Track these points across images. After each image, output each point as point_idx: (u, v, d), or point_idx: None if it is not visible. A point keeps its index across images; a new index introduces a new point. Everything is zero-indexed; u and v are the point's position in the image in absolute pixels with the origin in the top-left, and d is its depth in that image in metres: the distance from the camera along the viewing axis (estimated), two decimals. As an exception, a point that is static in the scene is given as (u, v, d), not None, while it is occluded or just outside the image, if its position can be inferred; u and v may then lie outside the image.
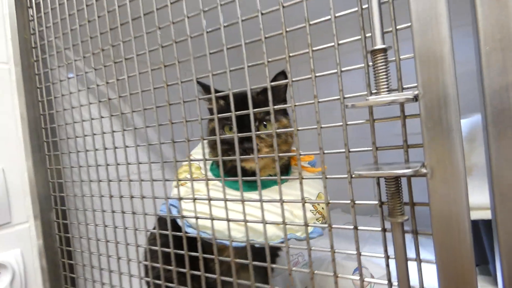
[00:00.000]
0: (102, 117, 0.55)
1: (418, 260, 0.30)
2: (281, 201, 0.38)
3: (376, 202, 0.32)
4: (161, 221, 0.57)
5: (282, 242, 0.48)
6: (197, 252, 0.46)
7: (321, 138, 0.34)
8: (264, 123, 0.57)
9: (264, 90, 0.53)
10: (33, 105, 0.64)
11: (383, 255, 0.32)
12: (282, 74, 0.52)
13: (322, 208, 0.55)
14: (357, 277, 0.35)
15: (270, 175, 0.59)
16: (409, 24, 0.27)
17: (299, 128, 0.35)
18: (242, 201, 0.41)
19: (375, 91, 0.29)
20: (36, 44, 0.63)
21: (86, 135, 0.58)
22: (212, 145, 0.59)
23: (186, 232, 0.50)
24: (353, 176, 0.29)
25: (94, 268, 0.62)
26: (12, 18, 0.63)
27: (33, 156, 0.63)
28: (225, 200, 0.43)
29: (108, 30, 0.50)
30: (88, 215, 0.63)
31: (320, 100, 0.34)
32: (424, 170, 0.26)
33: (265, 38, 0.37)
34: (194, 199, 0.47)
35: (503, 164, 0.23)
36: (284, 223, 0.39)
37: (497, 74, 0.24)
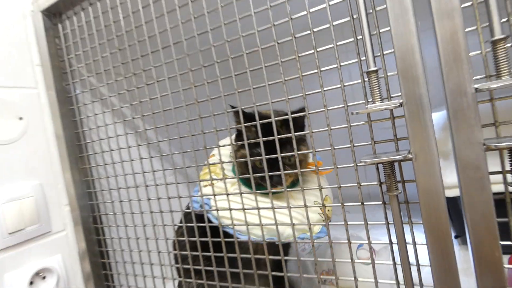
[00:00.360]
0: (127, 133, 0.64)
1: (410, 222, 0.41)
2: (289, 207, 0.49)
3: (377, 183, 0.43)
4: (187, 217, 0.67)
5: (302, 239, 0.58)
6: (219, 243, 0.56)
7: (331, 138, 0.45)
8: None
9: (286, 122, 0.63)
10: (68, 124, 0.71)
11: (384, 222, 0.43)
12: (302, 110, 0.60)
13: (328, 210, 0.64)
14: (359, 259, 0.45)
15: (288, 186, 0.68)
16: (392, 50, 0.38)
17: (317, 150, 0.46)
18: (259, 208, 0.51)
19: (371, 100, 0.40)
20: (66, 70, 0.71)
21: (112, 150, 0.67)
22: (241, 167, 0.67)
23: (210, 222, 0.59)
24: (359, 164, 0.40)
25: (126, 263, 0.71)
26: (43, 47, 0.70)
27: (71, 170, 0.71)
28: (258, 208, 0.53)
29: (129, 61, 0.59)
30: (119, 218, 0.71)
31: (329, 108, 0.44)
32: (410, 156, 0.37)
33: (282, 61, 0.47)
34: (227, 195, 0.56)
35: (461, 146, 0.34)
36: (292, 224, 0.50)
37: (454, 84, 0.35)
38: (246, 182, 0.67)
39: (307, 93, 0.46)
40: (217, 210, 0.57)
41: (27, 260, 0.69)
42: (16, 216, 0.67)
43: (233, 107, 0.61)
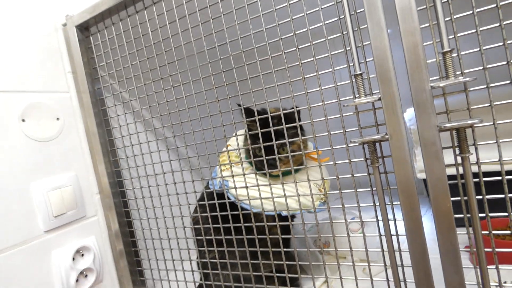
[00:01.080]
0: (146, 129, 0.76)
1: (388, 188, 0.54)
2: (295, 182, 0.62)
3: (363, 159, 0.56)
4: (208, 194, 0.79)
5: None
6: (237, 217, 0.69)
7: (328, 125, 0.58)
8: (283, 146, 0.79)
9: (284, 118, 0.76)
10: (100, 122, 0.83)
11: (369, 189, 0.56)
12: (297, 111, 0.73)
13: (325, 188, 0.78)
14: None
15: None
16: (372, 58, 0.51)
17: (317, 135, 0.59)
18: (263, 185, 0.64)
19: (358, 95, 0.53)
20: (98, 76, 0.83)
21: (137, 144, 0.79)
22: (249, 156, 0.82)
23: (229, 199, 0.72)
24: (350, 145, 0.53)
25: (154, 240, 0.83)
26: (77, 56, 0.82)
27: (105, 161, 0.82)
28: (270, 185, 0.66)
29: (148, 70, 0.71)
30: (148, 201, 0.83)
31: (326, 102, 0.58)
32: (387, 136, 0.50)
33: (289, 67, 0.60)
34: (246, 186, 0.69)
35: (423, 129, 0.48)
36: (297, 195, 0.62)
37: (416, 83, 0.48)
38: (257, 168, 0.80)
39: (308, 91, 0.59)
40: (235, 188, 0.70)
41: (69, 240, 0.81)
42: (59, 202, 0.79)
43: (240, 106, 0.74)
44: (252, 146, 0.70)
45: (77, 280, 0.79)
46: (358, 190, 0.57)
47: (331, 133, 0.58)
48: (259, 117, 0.66)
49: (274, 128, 0.62)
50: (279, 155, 0.68)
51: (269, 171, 0.70)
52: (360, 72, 0.52)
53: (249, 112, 0.72)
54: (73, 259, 0.80)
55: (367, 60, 0.53)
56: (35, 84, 0.80)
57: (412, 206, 0.50)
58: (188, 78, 0.69)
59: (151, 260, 0.84)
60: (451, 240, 0.48)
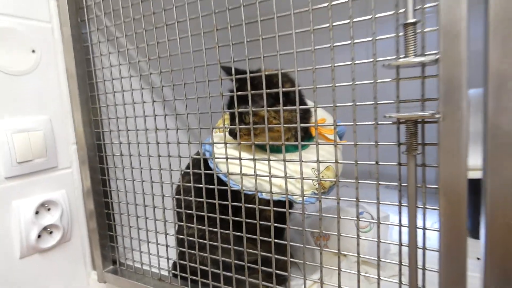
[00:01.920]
0: (131, 76, 0.63)
1: (424, 186, 0.41)
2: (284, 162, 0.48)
3: (395, 143, 0.42)
4: (195, 162, 0.67)
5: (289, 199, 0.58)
6: (224, 193, 0.57)
7: (355, 93, 0.43)
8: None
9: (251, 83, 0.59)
10: (81, 62, 0.70)
11: (397, 183, 0.42)
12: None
13: (324, 179, 0.62)
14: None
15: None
16: (436, 3, 0.35)
17: (338, 105, 0.44)
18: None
19: (404, 55, 0.38)
20: (83, 5, 0.68)
21: (125, 91, 0.66)
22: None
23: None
24: (381, 122, 0.39)
25: (129, 204, 0.72)
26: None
27: (82, 109, 0.70)
28: (254, 159, 0.52)
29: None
30: (126, 160, 0.71)
31: (356, 62, 0.43)
32: (437, 116, 0.36)
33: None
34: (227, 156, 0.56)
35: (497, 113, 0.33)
36: (286, 177, 0.49)
37: (498, 56, 0.33)
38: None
39: (335, 44, 0.44)
40: (226, 158, 0.57)
41: (34, 191, 0.70)
42: (25, 147, 0.68)
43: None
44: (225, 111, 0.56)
45: (39, 236, 0.70)
46: (380, 182, 0.44)
47: (357, 103, 0.43)
48: (236, 76, 0.53)
49: (238, 93, 0.48)
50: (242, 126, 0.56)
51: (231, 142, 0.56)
52: (414, 20, 0.37)
53: (228, 71, 0.58)
54: (37, 212, 0.70)
55: (426, 5, 0.38)
56: (5, 5, 0.66)
57: (457, 214, 0.36)
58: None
59: (124, 226, 0.74)
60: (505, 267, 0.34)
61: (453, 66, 0.35)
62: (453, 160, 0.36)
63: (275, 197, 0.57)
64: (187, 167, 0.73)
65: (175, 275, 0.68)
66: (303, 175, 0.59)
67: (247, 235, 0.56)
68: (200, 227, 0.61)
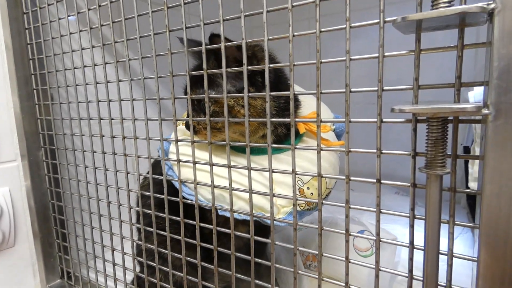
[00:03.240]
0: (93, 46, 0.49)
1: (452, 221, 0.26)
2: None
3: (409, 152, 0.27)
4: (156, 167, 0.53)
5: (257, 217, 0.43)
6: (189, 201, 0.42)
7: (349, 72, 0.28)
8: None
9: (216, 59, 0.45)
10: (18, 33, 0.56)
11: (408, 214, 0.28)
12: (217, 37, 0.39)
13: (312, 193, 0.47)
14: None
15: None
16: None
17: (324, 91, 0.29)
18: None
19: (432, 5, 0.23)
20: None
21: (76, 68, 0.52)
22: None
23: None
24: (393, 109, 0.24)
25: (84, 211, 0.59)
26: None
27: (19, 90, 0.57)
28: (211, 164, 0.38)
29: None
30: (78, 156, 0.58)
31: (354, 24, 0.28)
32: (486, 111, 0.21)
33: None
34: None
35: None
36: (250, 191, 0.34)
37: None
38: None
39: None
40: (178, 161, 0.43)
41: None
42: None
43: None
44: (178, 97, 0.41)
45: (-30, 243, 0.58)
46: (383, 181, 0.29)
47: (352, 90, 0.28)
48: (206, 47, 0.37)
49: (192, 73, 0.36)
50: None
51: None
52: None
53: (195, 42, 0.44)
54: (-33, 214, 0.58)
55: None
56: None
57: (501, 264, 0.21)
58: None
59: (78, 237, 0.61)
60: None
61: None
62: (506, 185, 0.21)
63: (240, 216, 0.42)
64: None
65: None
66: (284, 184, 0.45)
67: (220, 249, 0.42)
68: (162, 250, 0.47)
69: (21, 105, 0.58)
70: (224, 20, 0.35)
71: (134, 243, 0.54)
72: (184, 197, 0.44)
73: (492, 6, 0.20)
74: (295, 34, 0.31)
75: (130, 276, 0.57)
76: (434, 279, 0.24)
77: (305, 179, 0.47)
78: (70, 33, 0.51)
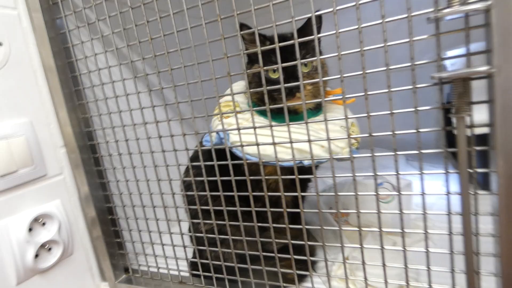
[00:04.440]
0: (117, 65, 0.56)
1: (473, 149, 0.38)
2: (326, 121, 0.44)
3: (435, 106, 0.38)
4: (203, 152, 0.61)
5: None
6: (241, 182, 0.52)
7: (388, 56, 0.39)
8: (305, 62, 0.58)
9: (300, 29, 0.55)
10: (58, 52, 0.61)
11: (440, 150, 0.39)
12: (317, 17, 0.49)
13: (355, 133, 0.59)
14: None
15: (310, 109, 0.63)
16: None
17: (343, 53, 0.40)
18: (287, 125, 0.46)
19: (447, 5, 0.34)
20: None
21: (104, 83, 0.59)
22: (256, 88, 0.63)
23: (238, 157, 0.54)
24: (419, 86, 0.35)
25: (136, 207, 0.66)
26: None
27: (67, 106, 0.62)
28: (271, 126, 0.48)
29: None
30: (126, 159, 0.65)
31: (387, 20, 0.38)
32: (493, 70, 0.32)
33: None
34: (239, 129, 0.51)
35: None
36: (328, 139, 0.45)
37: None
38: (263, 112, 0.62)
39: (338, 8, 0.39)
40: (240, 129, 0.52)
41: (24, 205, 0.63)
42: (5, 157, 0.59)
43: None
44: (265, 68, 0.48)
45: (37, 255, 0.63)
46: (423, 151, 0.40)
47: (391, 67, 0.39)
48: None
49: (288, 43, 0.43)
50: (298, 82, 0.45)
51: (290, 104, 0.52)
52: (459, -37, 0.32)
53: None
54: (31, 229, 0.62)
55: None
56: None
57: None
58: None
59: (132, 231, 0.68)
60: None
61: (508, 11, 0.31)
62: (511, 119, 0.33)
63: (307, 162, 0.52)
64: (191, 160, 0.68)
65: (194, 275, 0.64)
66: (332, 134, 0.56)
67: (272, 225, 0.52)
68: (219, 222, 0.57)
69: (70, 119, 0.63)
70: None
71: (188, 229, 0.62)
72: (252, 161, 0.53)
73: (490, 2, 0.31)
74: (340, 31, 0.41)
75: (189, 256, 0.65)
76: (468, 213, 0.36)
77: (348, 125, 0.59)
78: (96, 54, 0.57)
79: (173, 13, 0.49)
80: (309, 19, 0.43)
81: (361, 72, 0.41)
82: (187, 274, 0.65)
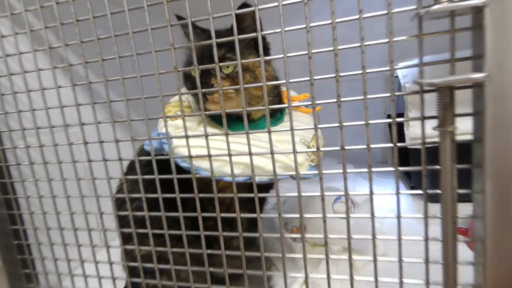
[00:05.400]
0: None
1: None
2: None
3: (418, 117, 0.33)
4: (145, 161, 0.50)
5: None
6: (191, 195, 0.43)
7: (364, 56, 0.33)
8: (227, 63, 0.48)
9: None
10: None
11: (420, 167, 0.34)
12: (245, 7, 0.40)
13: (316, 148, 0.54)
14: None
15: (263, 116, 0.56)
16: None
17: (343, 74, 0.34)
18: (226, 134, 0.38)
19: (435, 2, 0.29)
20: None
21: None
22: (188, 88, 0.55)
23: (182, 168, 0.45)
24: (397, 94, 0.30)
25: (52, 230, 0.53)
26: None
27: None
28: (226, 134, 0.40)
29: None
30: (40, 171, 0.51)
31: (364, 15, 0.33)
32: (483, 78, 0.28)
33: None
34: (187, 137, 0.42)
35: None
36: (272, 152, 0.39)
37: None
38: (216, 118, 0.54)
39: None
40: (187, 136, 0.43)
41: None
42: None
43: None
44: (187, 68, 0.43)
45: None
46: (373, 169, 0.35)
47: (367, 71, 0.34)
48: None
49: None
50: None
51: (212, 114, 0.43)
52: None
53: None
54: None
55: None
56: None
57: (507, 199, 0.30)
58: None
59: (45, 259, 0.54)
60: None
61: (502, 10, 0.27)
62: (502, 133, 0.29)
63: (264, 178, 0.46)
64: (128, 171, 0.57)
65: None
66: (289, 146, 0.49)
67: (224, 252, 0.43)
68: (160, 249, 0.46)
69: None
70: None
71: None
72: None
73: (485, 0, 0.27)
74: (311, 25, 0.34)
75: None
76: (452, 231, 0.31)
77: (308, 138, 0.53)
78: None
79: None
80: (237, 15, 0.36)
81: (333, 75, 0.35)
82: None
